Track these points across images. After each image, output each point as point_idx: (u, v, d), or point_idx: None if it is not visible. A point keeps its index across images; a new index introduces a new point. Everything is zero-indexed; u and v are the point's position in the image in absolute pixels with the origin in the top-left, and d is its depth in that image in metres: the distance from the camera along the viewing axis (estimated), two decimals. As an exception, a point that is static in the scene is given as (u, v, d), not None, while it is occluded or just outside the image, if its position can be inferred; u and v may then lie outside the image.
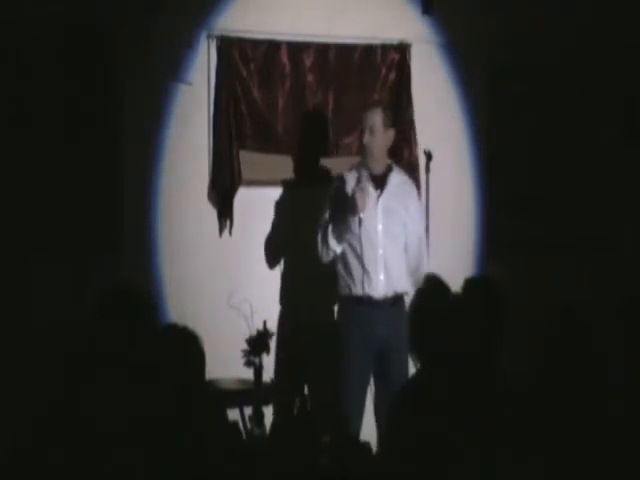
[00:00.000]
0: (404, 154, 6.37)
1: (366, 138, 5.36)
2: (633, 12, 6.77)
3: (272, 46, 6.25)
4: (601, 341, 3.78)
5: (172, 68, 6.05)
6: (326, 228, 5.26)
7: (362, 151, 5.47)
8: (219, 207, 6.18)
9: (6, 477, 3.57)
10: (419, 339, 3.82)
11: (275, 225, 5.67)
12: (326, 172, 5.72)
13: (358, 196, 5.18)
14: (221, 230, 6.18)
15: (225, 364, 5.24)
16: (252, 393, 5.40)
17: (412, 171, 6.26)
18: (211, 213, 6.18)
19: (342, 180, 5.41)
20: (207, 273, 6.10)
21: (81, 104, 5.85)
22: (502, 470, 3.53)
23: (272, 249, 5.66)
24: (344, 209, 5.23)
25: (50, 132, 5.80)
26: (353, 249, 5.32)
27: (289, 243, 5.61)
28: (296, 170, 5.74)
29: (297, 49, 6.30)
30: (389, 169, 5.43)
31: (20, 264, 5.68)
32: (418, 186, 6.09)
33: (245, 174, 6.19)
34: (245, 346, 5.41)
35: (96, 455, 3.50)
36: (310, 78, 6.32)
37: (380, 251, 5.32)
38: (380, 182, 5.38)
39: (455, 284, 4.25)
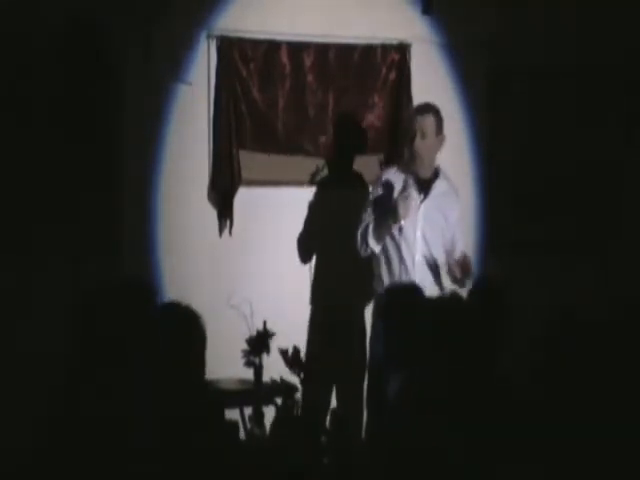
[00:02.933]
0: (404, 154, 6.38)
1: (416, 142, 5.25)
2: (633, 12, 6.77)
3: (272, 46, 6.25)
4: (601, 341, 3.78)
5: (172, 68, 6.05)
6: (367, 227, 5.25)
7: (409, 154, 5.33)
8: (219, 207, 6.19)
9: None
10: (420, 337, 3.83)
11: (309, 223, 5.73)
12: (358, 173, 5.80)
13: (401, 204, 5.14)
14: (221, 230, 6.19)
15: (225, 364, 5.23)
16: (252, 393, 5.40)
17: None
18: (211, 213, 6.18)
19: (387, 182, 5.33)
20: (207, 273, 6.10)
21: (81, 104, 5.85)
22: (502, 471, 3.53)
23: (305, 246, 5.74)
24: (387, 213, 5.19)
25: (50, 132, 5.79)
26: (392, 252, 5.28)
27: (322, 242, 5.68)
28: (330, 170, 5.82)
29: (297, 49, 6.30)
30: (435, 174, 5.35)
31: (19, 264, 5.68)
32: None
33: (245, 174, 6.19)
34: (245, 346, 5.42)
35: (95, 454, 3.50)
36: (310, 78, 6.32)
37: (418, 256, 5.27)
38: (425, 187, 5.30)
39: (455, 284, 4.26)
